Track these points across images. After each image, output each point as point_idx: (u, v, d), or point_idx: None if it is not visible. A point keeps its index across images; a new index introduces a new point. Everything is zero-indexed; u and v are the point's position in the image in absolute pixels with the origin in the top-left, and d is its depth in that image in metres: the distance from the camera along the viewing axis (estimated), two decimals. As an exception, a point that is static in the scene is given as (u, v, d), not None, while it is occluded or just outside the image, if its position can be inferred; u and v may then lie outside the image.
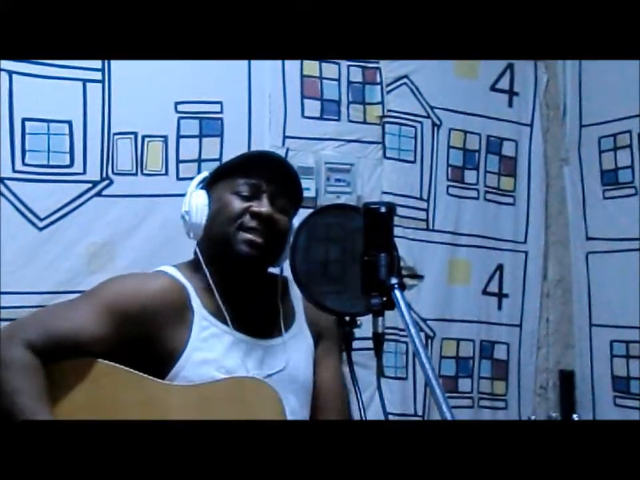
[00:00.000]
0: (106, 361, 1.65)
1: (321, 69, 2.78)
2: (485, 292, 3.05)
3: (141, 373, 1.65)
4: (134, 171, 2.49)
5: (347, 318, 1.47)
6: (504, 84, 3.13)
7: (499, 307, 3.08)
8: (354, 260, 1.39)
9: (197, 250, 1.84)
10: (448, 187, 3.00)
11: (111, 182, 2.46)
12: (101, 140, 2.45)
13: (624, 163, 2.99)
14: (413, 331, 1.24)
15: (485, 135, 3.08)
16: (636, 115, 2.91)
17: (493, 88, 3.11)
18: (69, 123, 2.41)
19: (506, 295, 3.09)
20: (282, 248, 1.79)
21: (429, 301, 2.92)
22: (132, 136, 2.49)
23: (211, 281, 1.77)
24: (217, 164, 2.50)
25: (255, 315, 1.81)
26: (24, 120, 2.36)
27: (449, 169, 3.01)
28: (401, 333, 2.75)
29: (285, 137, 2.72)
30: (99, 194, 2.44)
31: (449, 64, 3.00)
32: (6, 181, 2.33)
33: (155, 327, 1.70)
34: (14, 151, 2.34)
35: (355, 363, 1.49)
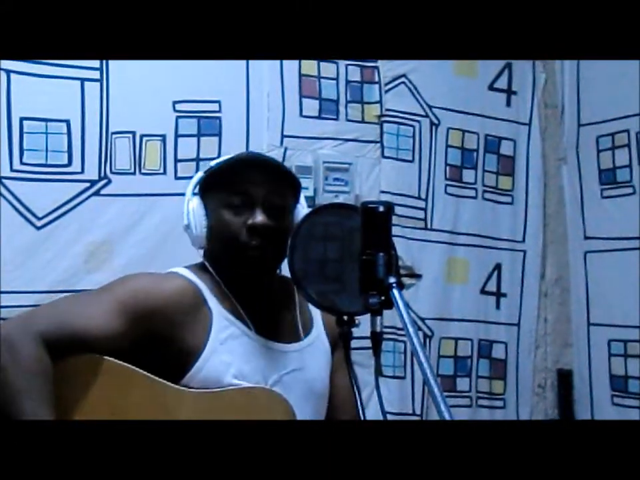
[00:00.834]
0: (117, 361, 1.63)
1: (319, 68, 2.79)
2: (483, 291, 3.06)
3: (151, 375, 1.64)
4: (132, 170, 2.49)
5: (345, 317, 1.47)
6: (502, 83, 3.13)
7: (497, 306, 3.08)
8: (352, 259, 1.39)
9: (205, 256, 1.81)
10: (446, 186, 3.01)
11: (109, 181, 2.46)
12: (99, 139, 2.45)
13: (622, 162, 2.99)
14: (411, 330, 1.24)
15: (483, 134, 3.08)
16: (634, 114, 2.91)
17: (491, 87, 3.11)
18: (67, 122, 2.41)
19: (504, 294, 3.10)
20: (286, 244, 1.75)
21: (427, 300, 2.92)
22: (130, 135, 2.49)
23: (222, 285, 1.76)
24: (215, 163, 2.51)
25: (272, 318, 1.78)
26: (22, 119, 2.36)
27: (447, 168, 3.02)
28: (399, 332, 2.75)
29: (283, 136, 2.72)
30: (97, 193, 2.44)
31: (448, 63, 3.00)
32: (4, 180, 2.33)
33: (170, 326, 1.67)
34: (12, 150, 2.34)
35: (353, 362, 1.50)
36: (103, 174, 2.45)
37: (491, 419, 3.00)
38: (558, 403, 3.15)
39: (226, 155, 2.50)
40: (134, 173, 2.50)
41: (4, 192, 2.32)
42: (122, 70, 2.46)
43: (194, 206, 1.77)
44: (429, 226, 2.96)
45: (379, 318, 1.33)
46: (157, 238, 2.49)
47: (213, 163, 1.87)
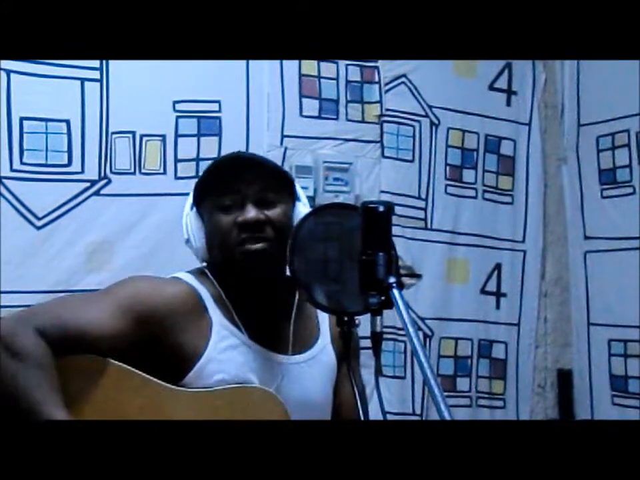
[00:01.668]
0: (114, 361, 1.64)
1: (319, 68, 2.79)
2: (483, 291, 3.06)
3: (147, 376, 1.64)
4: (132, 170, 2.49)
5: (346, 317, 1.47)
6: (502, 83, 3.13)
7: (497, 306, 3.08)
8: (352, 259, 1.39)
9: (207, 268, 1.79)
10: (446, 186, 3.01)
11: (109, 181, 2.46)
12: (99, 139, 2.45)
13: (622, 162, 2.99)
14: (411, 330, 1.24)
15: (483, 134, 3.08)
16: (634, 114, 2.92)
17: (491, 87, 3.11)
18: (67, 122, 2.41)
19: (504, 294, 3.10)
20: (286, 238, 1.71)
21: (427, 300, 2.92)
22: (130, 135, 2.49)
23: (223, 294, 1.74)
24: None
25: (272, 328, 1.75)
26: (22, 119, 2.36)
27: (447, 168, 3.02)
28: (400, 332, 2.75)
29: (283, 136, 2.72)
30: (97, 193, 2.44)
31: (448, 63, 3.01)
32: (4, 180, 2.33)
33: (170, 331, 1.66)
34: (12, 150, 2.35)
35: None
36: (103, 174, 2.45)
37: (490, 418, 3.01)
38: (558, 403, 3.15)
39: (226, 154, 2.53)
40: (134, 173, 2.50)
41: (4, 192, 2.33)
42: (122, 70, 2.46)
43: (191, 219, 1.75)
44: (429, 226, 2.96)
45: (379, 318, 1.33)
46: (157, 238, 2.49)
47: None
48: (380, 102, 2.89)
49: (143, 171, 2.51)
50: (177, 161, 2.55)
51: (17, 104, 2.35)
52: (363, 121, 2.86)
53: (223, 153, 2.54)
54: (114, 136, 2.47)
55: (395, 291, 1.28)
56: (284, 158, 2.68)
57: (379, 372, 1.43)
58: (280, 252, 1.61)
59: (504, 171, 3.13)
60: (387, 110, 2.89)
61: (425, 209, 2.96)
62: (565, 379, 3.14)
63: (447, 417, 1.13)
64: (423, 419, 2.87)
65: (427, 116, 2.97)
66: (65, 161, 2.41)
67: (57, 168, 2.40)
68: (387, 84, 2.89)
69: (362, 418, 1.41)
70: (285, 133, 2.73)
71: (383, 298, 1.30)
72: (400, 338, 2.79)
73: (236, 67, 2.64)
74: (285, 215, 1.73)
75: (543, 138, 3.21)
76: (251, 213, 1.69)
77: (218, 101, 2.61)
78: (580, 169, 3.14)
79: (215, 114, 2.61)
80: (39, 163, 2.38)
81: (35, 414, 1.50)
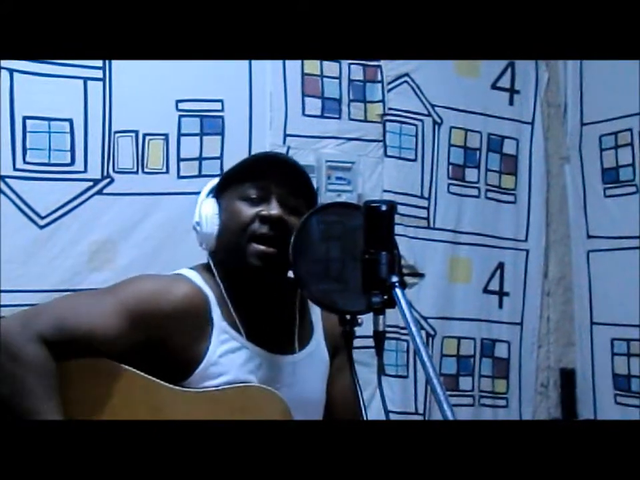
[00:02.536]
0: (116, 362, 1.64)
1: (321, 67, 2.78)
2: (485, 290, 3.06)
3: (149, 377, 1.64)
4: (135, 169, 2.50)
5: (348, 316, 1.47)
6: (505, 82, 3.13)
7: (500, 305, 3.08)
8: (355, 258, 1.39)
9: (210, 260, 1.77)
10: (449, 185, 3.01)
11: (112, 180, 2.46)
12: (101, 138, 2.45)
13: (625, 161, 2.99)
14: (413, 329, 1.24)
15: (486, 133, 3.08)
16: (637, 112, 2.91)
17: (494, 86, 3.11)
18: (70, 121, 2.41)
19: (507, 293, 3.10)
20: None
21: (430, 299, 2.92)
22: (133, 134, 2.49)
23: (225, 294, 1.73)
24: (217, 162, 2.51)
25: (272, 328, 1.75)
26: (25, 118, 2.36)
27: (450, 167, 3.02)
28: (402, 331, 2.75)
29: (285, 135, 2.72)
30: (99, 192, 2.44)
31: (450, 62, 3.00)
32: (7, 179, 2.33)
33: (173, 334, 1.65)
34: (15, 149, 2.35)
35: (355, 361, 1.50)
36: (105, 173, 2.45)
37: (493, 418, 3.01)
38: (561, 402, 3.15)
39: (228, 153, 2.54)
40: (137, 172, 2.50)
41: (7, 191, 2.33)
42: (125, 69, 2.46)
43: (207, 205, 1.74)
44: (431, 225, 2.96)
45: (381, 317, 1.34)
46: (159, 237, 2.49)
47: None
48: (382, 101, 2.88)
49: (145, 170, 2.51)
50: (179, 160, 2.55)
51: (20, 103, 2.35)
52: (365, 120, 2.86)
53: (226, 152, 2.57)
54: (117, 135, 2.47)
55: (398, 290, 1.29)
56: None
57: (381, 371, 1.43)
58: (286, 260, 1.61)
59: (506, 170, 3.13)
60: (390, 109, 2.89)
61: (427, 208, 2.96)
62: (567, 378, 3.14)
63: (450, 416, 1.14)
64: (426, 418, 2.86)
65: (429, 115, 2.97)
66: (68, 160, 2.41)
67: (59, 167, 2.40)
68: (389, 83, 2.89)
69: (361, 411, 1.41)
70: (288, 132, 2.72)
71: (385, 297, 1.30)
72: (402, 337, 2.79)
73: (238, 66, 2.63)
74: None
75: (546, 137, 3.20)
76: (276, 209, 1.68)
77: (220, 100, 2.61)
78: (583, 168, 3.14)
79: (217, 113, 2.61)
80: (41, 162, 2.38)
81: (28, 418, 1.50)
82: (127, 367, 1.63)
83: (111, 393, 1.62)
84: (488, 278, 3.06)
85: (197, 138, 2.58)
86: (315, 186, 2.70)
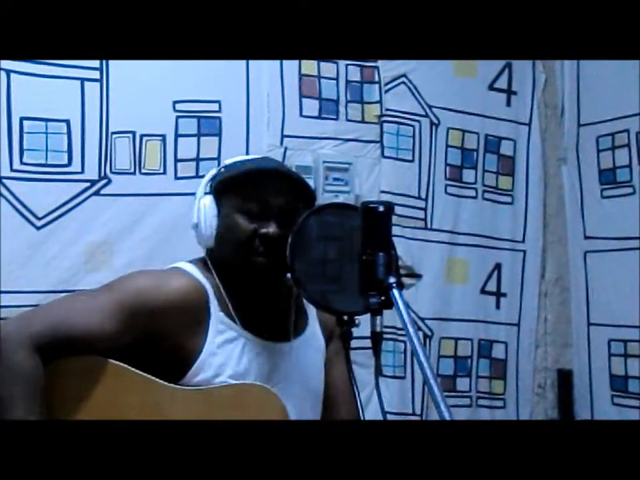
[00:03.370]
0: (113, 361, 1.63)
1: (319, 68, 2.78)
2: (483, 291, 3.06)
3: (146, 375, 1.64)
4: (132, 170, 2.49)
5: (346, 317, 1.47)
6: (502, 83, 3.13)
7: (497, 306, 3.08)
8: (352, 259, 1.39)
9: (207, 256, 1.79)
10: (446, 186, 3.01)
11: (109, 181, 2.46)
12: (99, 139, 2.45)
13: (622, 162, 2.99)
14: (411, 330, 1.24)
15: (483, 134, 3.08)
16: (634, 113, 2.91)
17: (491, 87, 3.11)
18: (67, 122, 2.41)
19: (504, 294, 3.10)
20: None
21: (427, 300, 2.92)
22: (130, 135, 2.49)
23: (222, 288, 1.74)
24: (215, 163, 2.51)
25: (268, 318, 1.77)
26: (22, 119, 2.36)
27: (447, 168, 3.02)
28: (399, 332, 2.75)
29: (283, 136, 2.72)
30: (97, 193, 2.44)
31: (448, 63, 3.00)
32: (4, 180, 2.33)
33: (170, 329, 1.66)
34: (12, 150, 2.34)
35: (353, 362, 1.50)
36: (102, 174, 2.45)
37: (491, 418, 3.00)
38: (558, 403, 3.15)
39: (226, 154, 2.53)
40: (134, 173, 2.50)
41: (4, 192, 2.32)
42: (122, 70, 2.45)
43: (206, 205, 1.75)
44: (428, 226, 2.96)
45: (378, 318, 1.34)
46: (157, 238, 2.49)
47: (229, 161, 1.84)
48: (380, 102, 2.88)
49: (142, 170, 2.51)
50: (176, 160, 2.55)
51: (17, 104, 2.35)
52: (362, 121, 2.86)
53: (223, 153, 2.57)
54: (114, 136, 2.47)
55: (395, 291, 1.29)
56: (284, 158, 2.68)
57: (378, 372, 1.43)
58: (285, 268, 1.63)
59: (504, 171, 3.13)
60: (387, 110, 2.89)
61: (424, 209, 2.96)
62: (565, 379, 3.14)
63: (447, 417, 1.14)
64: (423, 419, 2.86)
65: (426, 116, 2.97)
66: (65, 161, 2.41)
67: (57, 168, 2.40)
68: (386, 84, 2.89)
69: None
70: (285, 133, 2.72)
71: (382, 298, 1.30)
72: (400, 338, 2.79)
73: (236, 67, 2.63)
74: None
75: (543, 138, 3.21)
76: (274, 227, 1.70)
77: (218, 101, 2.61)
78: (580, 169, 3.14)
79: (214, 114, 2.61)
80: (39, 162, 2.37)
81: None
82: (123, 365, 1.63)
83: (107, 391, 1.62)
84: (485, 279, 3.06)
85: (194, 139, 2.58)
86: (313, 187, 2.71)
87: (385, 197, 2.83)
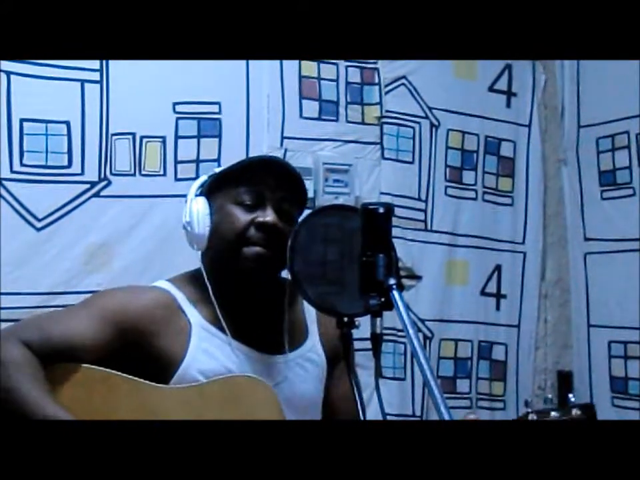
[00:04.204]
0: (100, 367, 1.65)
1: (319, 69, 2.78)
2: (483, 292, 3.06)
3: (135, 378, 1.65)
4: (132, 172, 2.49)
5: (345, 319, 1.47)
6: (502, 85, 3.13)
7: (497, 308, 3.08)
8: (352, 260, 1.39)
9: (201, 261, 1.79)
10: (446, 187, 3.01)
11: (109, 182, 2.46)
12: (99, 140, 2.45)
13: (622, 163, 2.99)
14: (411, 331, 1.24)
15: (483, 136, 3.08)
16: (634, 115, 2.91)
17: (491, 89, 3.11)
18: (67, 123, 2.41)
19: (504, 296, 3.09)
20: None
21: (427, 302, 2.92)
22: (130, 136, 2.49)
23: (211, 292, 1.74)
24: (215, 165, 2.51)
25: (259, 327, 1.77)
26: (22, 120, 2.35)
27: (447, 169, 3.02)
28: (399, 333, 2.75)
29: (283, 138, 2.72)
30: (97, 194, 2.44)
31: (447, 65, 3.00)
32: (4, 182, 2.33)
33: (149, 336, 1.69)
34: (12, 152, 2.34)
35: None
36: (102, 175, 2.45)
37: (491, 420, 3.00)
38: (558, 405, 3.14)
39: (226, 156, 2.54)
40: (134, 175, 2.50)
41: (4, 193, 2.32)
42: (122, 71, 2.45)
43: (198, 205, 1.76)
44: (428, 227, 2.96)
45: (379, 319, 1.33)
46: (156, 239, 2.49)
47: (218, 169, 1.85)
48: (380, 103, 2.88)
49: (143, 172, 2.51)
50: (177, 162, 2.55)
51: (17, 105, 2.35)
52: (362, 123, 2.86)
53: (223, 155, 2.57)
54: (114, 137, 2.47)
55: (395, 293, 1.28)
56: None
57: (378, 373, 1.43)
58: (279, 263, 1.65)
59: (504, 172, 3.13)
60: (387, 111, 2.89)
61: (424, 211, 2.96)
62: (564, 381, 3.14)
63: (447, 419, 1.13)
64: (423, 420, 2.86)
65: (426, 117, 2.97)
66: (65, 163, 2.41)
67: (57, 169, 2.39)
68: (386, 85, 2.89)
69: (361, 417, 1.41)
70: (285, 135, 2.72)
71: (382, 299, 1.30)
72: (400, 339, 2.79)
73: (236, 68, 2.63)
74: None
75: (543, 139, 3.21)
76: (271, 216, 1.71)
77: (218, 103, 2.61)
78: (580, 171, 3.14)
79: (215, 115, 2.60)
80: (39, 164, 2.37)
81: (34, 415, 1.51)
82: (109, 370, 1.65)
83: (99, 399, 1.64)
84: (485, 280, 3.06)
85: (194, 140, 2.58)
86: (313, 188, 2.72)
87: (385, 199, 2.82)
